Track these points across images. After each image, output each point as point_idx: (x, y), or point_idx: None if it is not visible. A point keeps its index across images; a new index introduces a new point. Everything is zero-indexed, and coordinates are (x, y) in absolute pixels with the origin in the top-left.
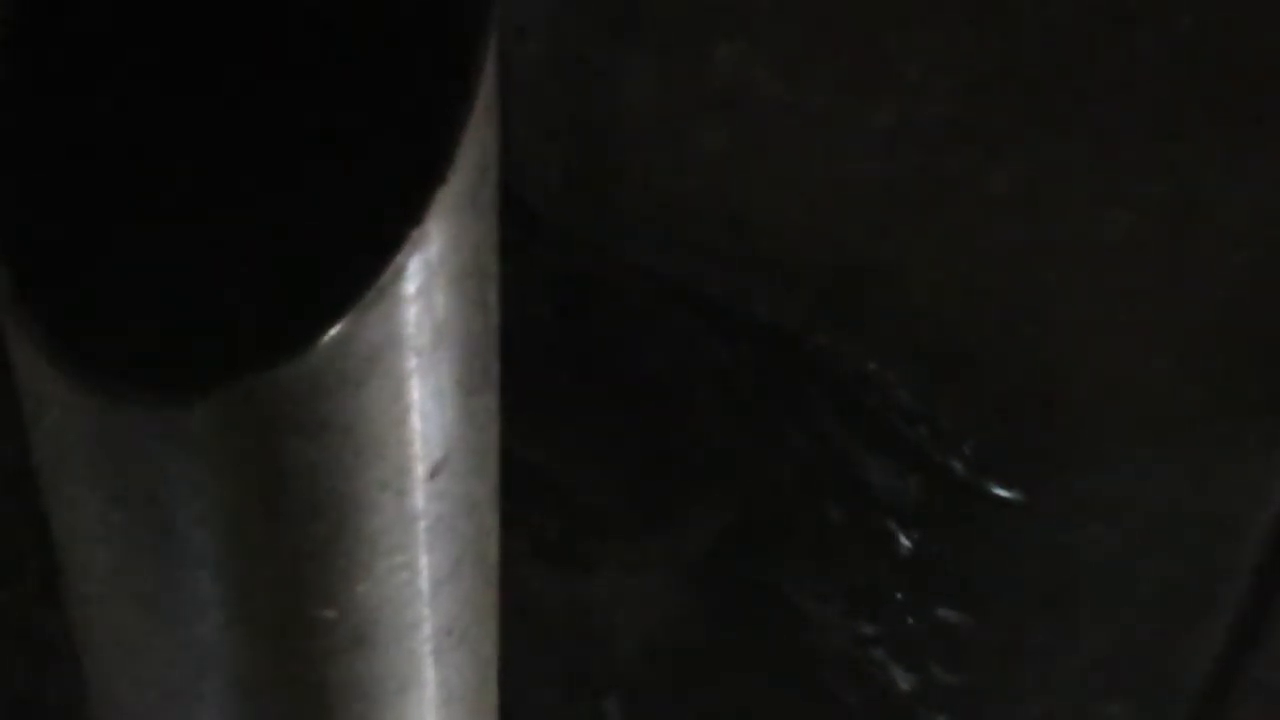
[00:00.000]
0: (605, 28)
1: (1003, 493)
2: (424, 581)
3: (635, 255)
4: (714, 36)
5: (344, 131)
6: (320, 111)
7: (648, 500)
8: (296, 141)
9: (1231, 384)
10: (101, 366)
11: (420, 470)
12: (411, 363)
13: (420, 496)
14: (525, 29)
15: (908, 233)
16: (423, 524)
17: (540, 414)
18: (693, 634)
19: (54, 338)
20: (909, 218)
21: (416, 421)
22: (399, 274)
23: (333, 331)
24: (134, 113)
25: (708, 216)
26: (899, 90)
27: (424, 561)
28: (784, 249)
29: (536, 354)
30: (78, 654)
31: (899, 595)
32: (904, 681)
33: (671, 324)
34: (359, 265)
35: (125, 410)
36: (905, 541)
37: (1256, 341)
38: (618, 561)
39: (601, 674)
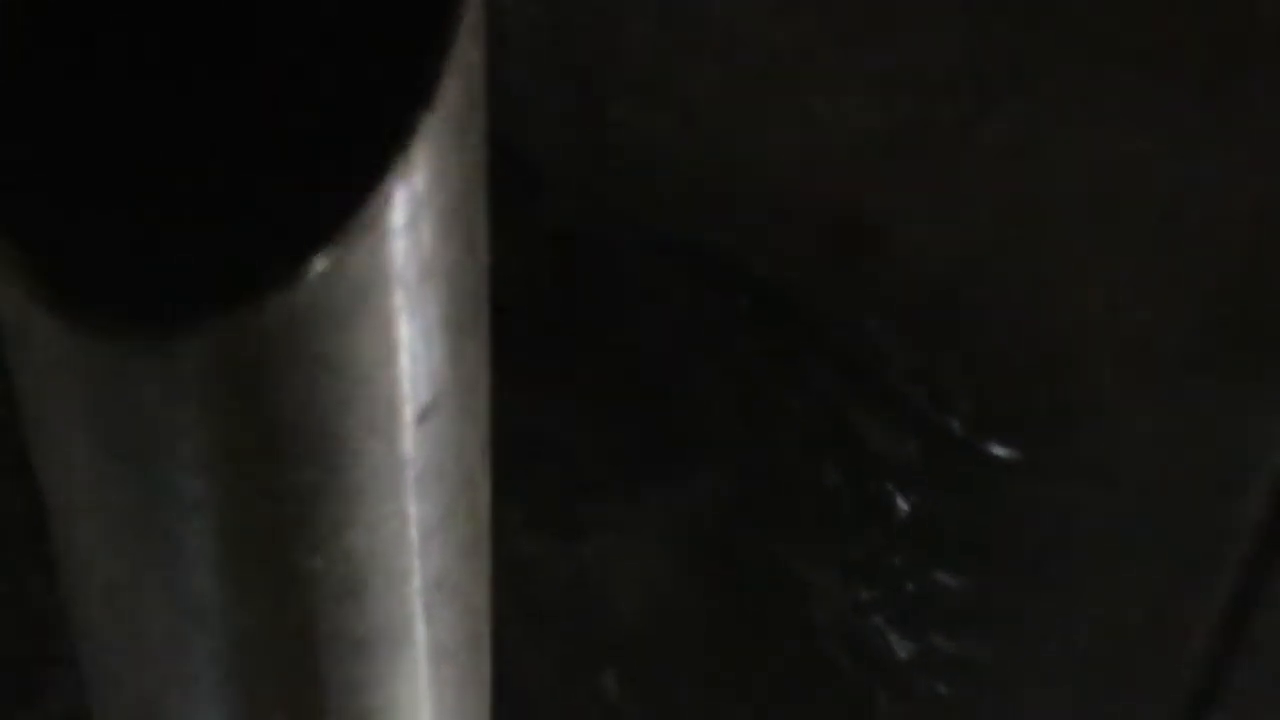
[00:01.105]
0: None
1: (1002, 452)
2: (413, 531)
3: (629, 207)
4: None
5: (325, 58)
6: (300, 37)
7: (643, 464)
8: (277, 68)
9: (1235, 338)
10: (84, 302)
11: (409, 413)
12: (399, 299)
13: (409, 441)
14: None
15: (905, 183)
16: (411, 470)
17: (531, 375)
18: (690, 603)
19: (35, 272)
20: (906, 167)
21: (405, 361)
22: (386, 204)
23: (320, 264)
24: (111, 43)
25: (702, 166)
26: (896, 36)
27: (413, 510)
28: (779, 200)
29: (529, 312)
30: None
31: (897, 560)
32: (902, 650)
33: (666, 282)
34: (344, 197)
35: (109, 346)
36: (904, 504)
37: (1260, 295)
38: (613, 527)
39: (598, 645)
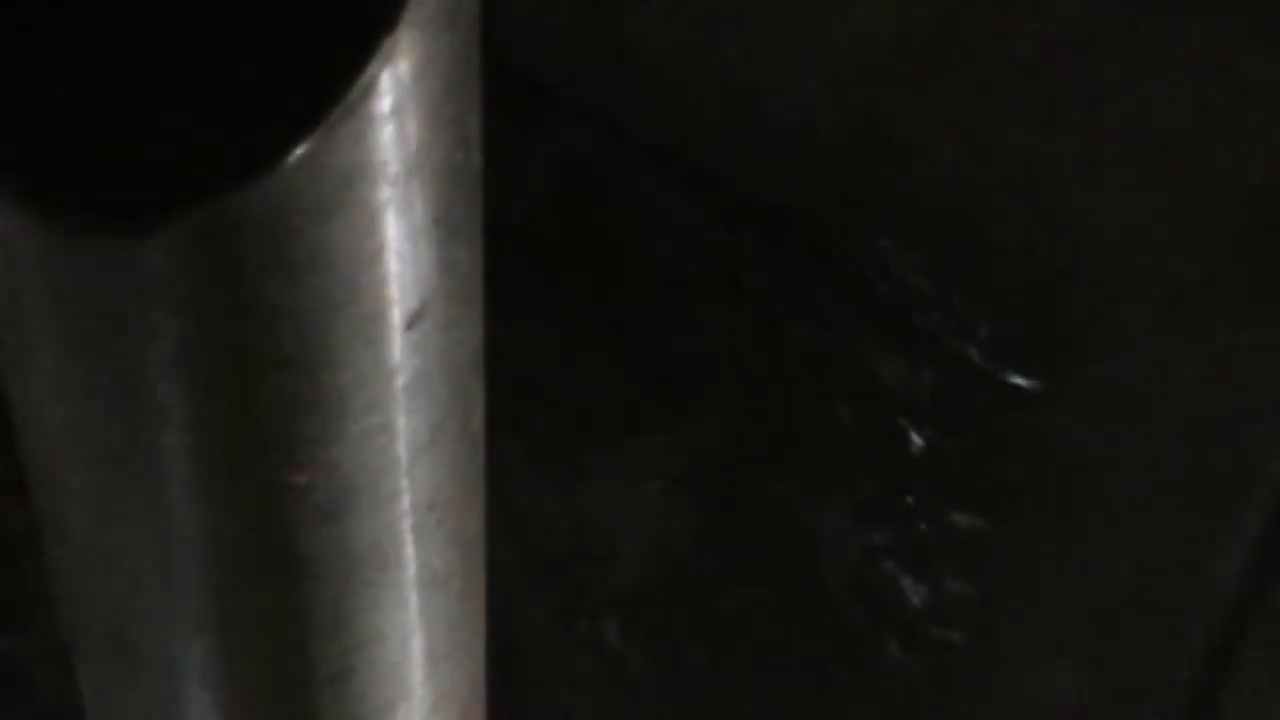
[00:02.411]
0: None
1: (1020, 381)
2: (402, 447)
3: (632, 127)
4: None
5: None
6: None
7: (646, 402)
8: None
9: (1262, 269)
10: (52, 198)
11: (396, 317)
12: (385, 193)
13: (396, 348)
14: None
15: (920, 99)
16: (399, 380)
17: (530, 306)
18: (694, 548)
19: (1, 168)
20: (921, 82)
21: (391, 261)
22: (370, 89)
23: (298, 152)
24: None
25: (708, 82)
26: None
27: (401, 424)
28: (788, 116)
29: (527, 240)
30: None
31: (910, 500)
32: (915, 595)
33: (671, 208)
34: (325, 82)
35: (77, 242)
36: (918, 439)
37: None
38: (614, 470)
39: (599, 592)
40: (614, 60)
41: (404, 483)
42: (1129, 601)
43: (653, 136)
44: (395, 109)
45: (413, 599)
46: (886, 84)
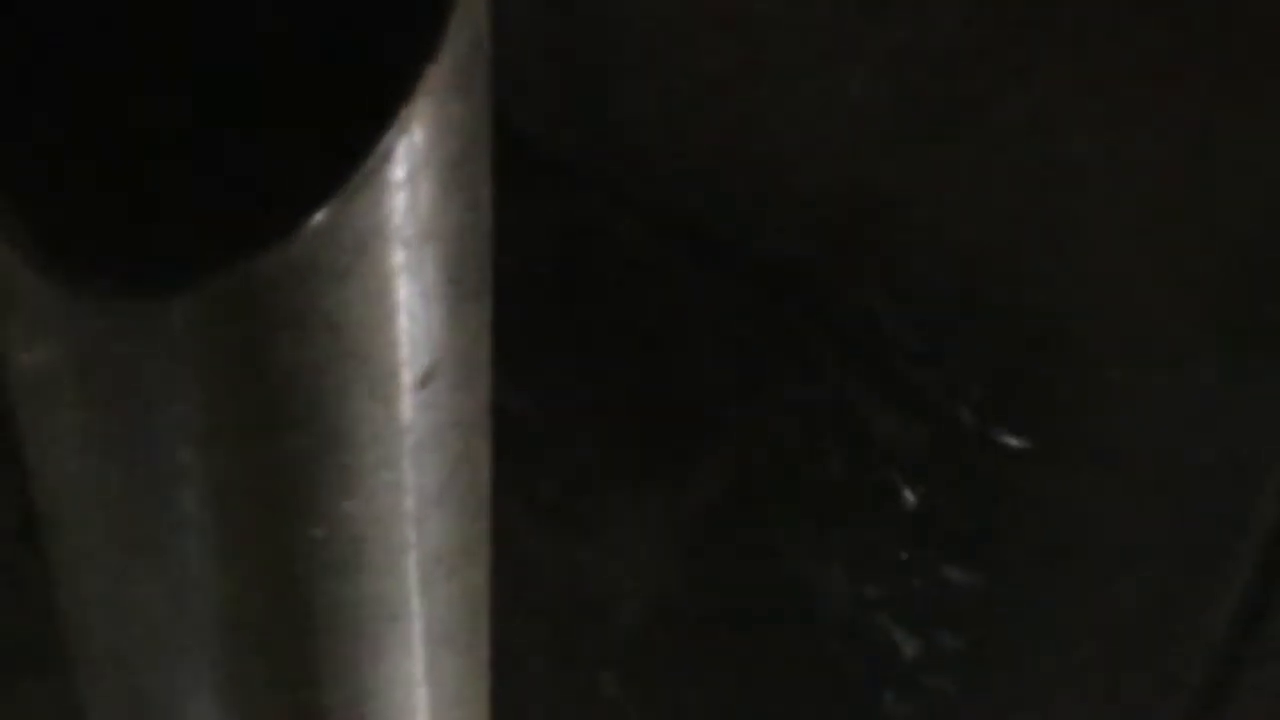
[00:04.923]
0: None
1: (1013, 441)
2: (411, 502)
3: (631, 186)
4: None
5: (328, 9)
6: None
7: (643, 454)
8: (280, 21)
9: (1248, 327)
10: (78, 262)
11: (407, 377)
12: (399, 256)
13: (408, 406)
14: None
15: (913, 161)
16: (410, 438)
17: (529, 363)
18: (690, 598)
19: (27, 233)
20: (915, 145)
21: (404, 322)
22: (386, 157)
23: (317, 219)
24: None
25: (705, 143)
26: (907, 9)
27: (411, 480)
28: (786, 178)
29: (529, 297)
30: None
31: (903, 554)
32: (909, 647)
33: (669, 265)
34: (343, 150)
35: (102, 307)
36: (910, 495)
37: (1271, 279)
38: (612, 520)
39: (598, 643)
40: (609, 124)
41: (413, 537)
42: (1119, 653)
43: (650, 199)
44: (410, 176)
45: (420, 650)
46: (881, 146)
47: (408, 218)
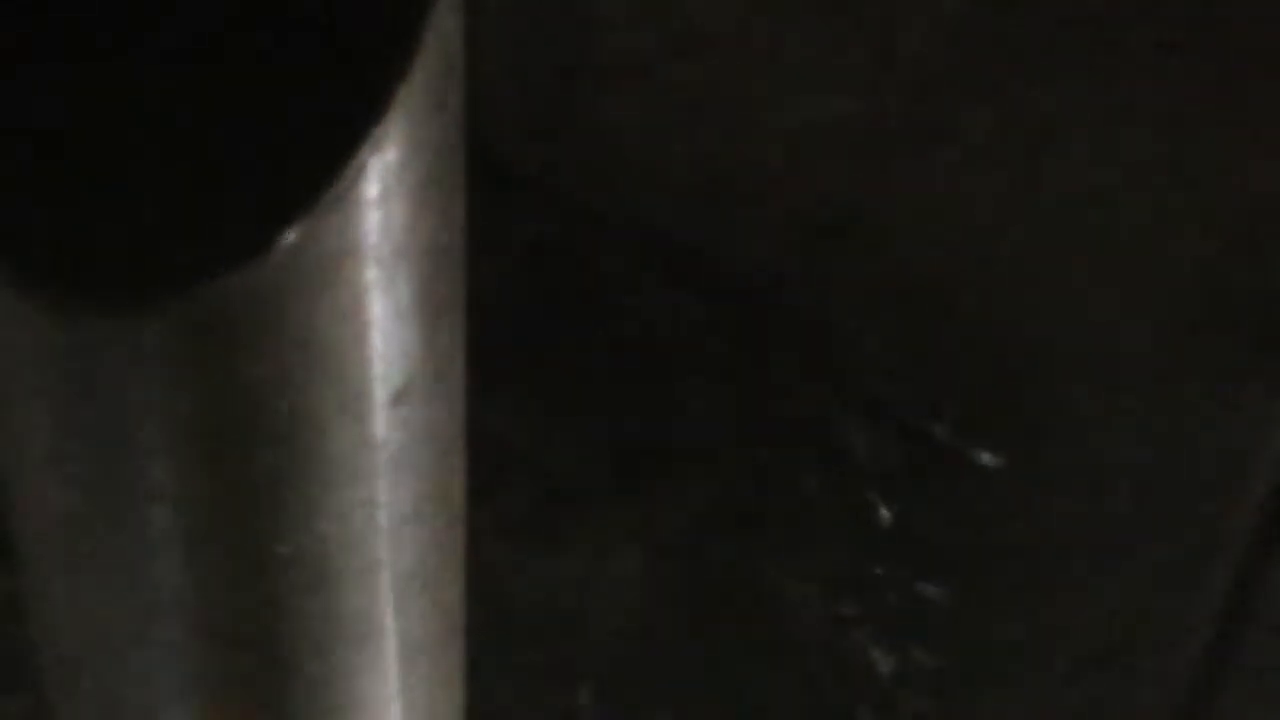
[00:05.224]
0: None
1: (987, 459)
2: (384, 519)
3: (606, 206)
4: None
5: (300, 27)
6: (275, 7)
7: (620, 474)
8: (251, 39)
9: (1219, 345)
10: (50, 280)
11: (380, 394)
12: (371, 274)
13: (380, 423)
14: None
15: (884, 181)
16: (383, 455)
17: (506, 382)
18: (667, 617)
19: (1, 251)
20: (886, 165)
21: (376, 340)
22: (358, 175)
23: (289, 237)
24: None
25: (679, 162)
26: (877, 31)
27: (385, 497)
28: (757, 197)
29: (504, 316)
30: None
31: (879, 571)
32: (884, 664)
33: (643, 284)
34: (315, 168)
35: (74, 323)
36: (886, 513)
37: (1241, 302)
38: (589, 539)
39: (574, 661)
40: (587, 143)
41: (386, 554)
42: (1095, 671)
43: (627, 216)
44: (383, 195)
45: (394, 666)
46: (859, 166)
47: (380, 237)
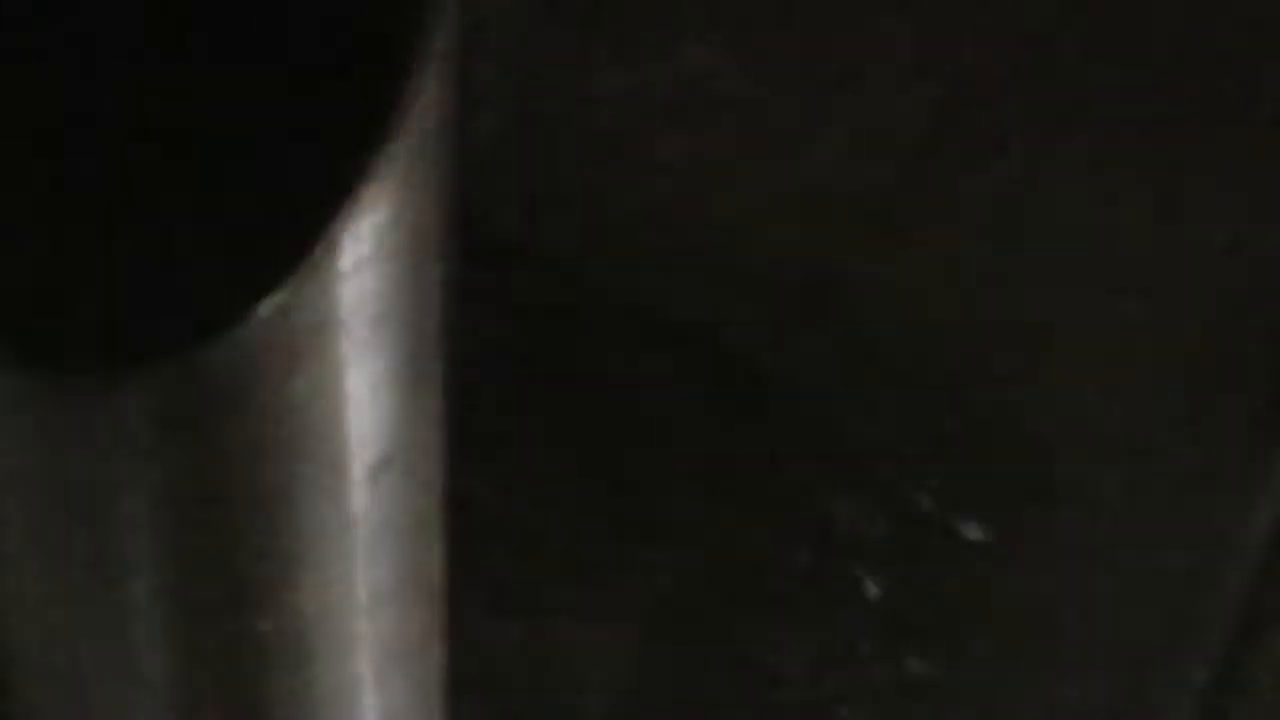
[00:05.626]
0: (566, 28)
1: (971, 531)
2: (363, 595)
3: (593, 271)
4: (678, 39)
5: (281, 91)
6: (251, 66)
7: (605, 543)
8: (228, 102)
9: (1209, 418)
10: (26, 346)
11: (358, 470)
12: (349, 347)
13: (358, 499)
14: (485, 23)
15: (869, 252)
16: (362, 530)
17: (493, 453)
18: (653, 690)
19: None
20: (876, 232)
21: (353, 414)
22: (335, 245)
23: (266, 306)
24: (48, 63)
25: (668, 235)
26: (869, 98)
27: (363, 572)
28: (744, 269)
29: (489, 383)
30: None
31: (866, 646)
32: None
33: (629, 356)
34: (293, 237)
35: (51, 395)
36: (872, 586)
37: (1232, 373)
38: (575, 613)
39: None
40: (575, 211)
41: (365, 629)
42: None
43: (614, 285)
44: (360, 265)
45: None
46: (845, 235)
47: (358, 307)
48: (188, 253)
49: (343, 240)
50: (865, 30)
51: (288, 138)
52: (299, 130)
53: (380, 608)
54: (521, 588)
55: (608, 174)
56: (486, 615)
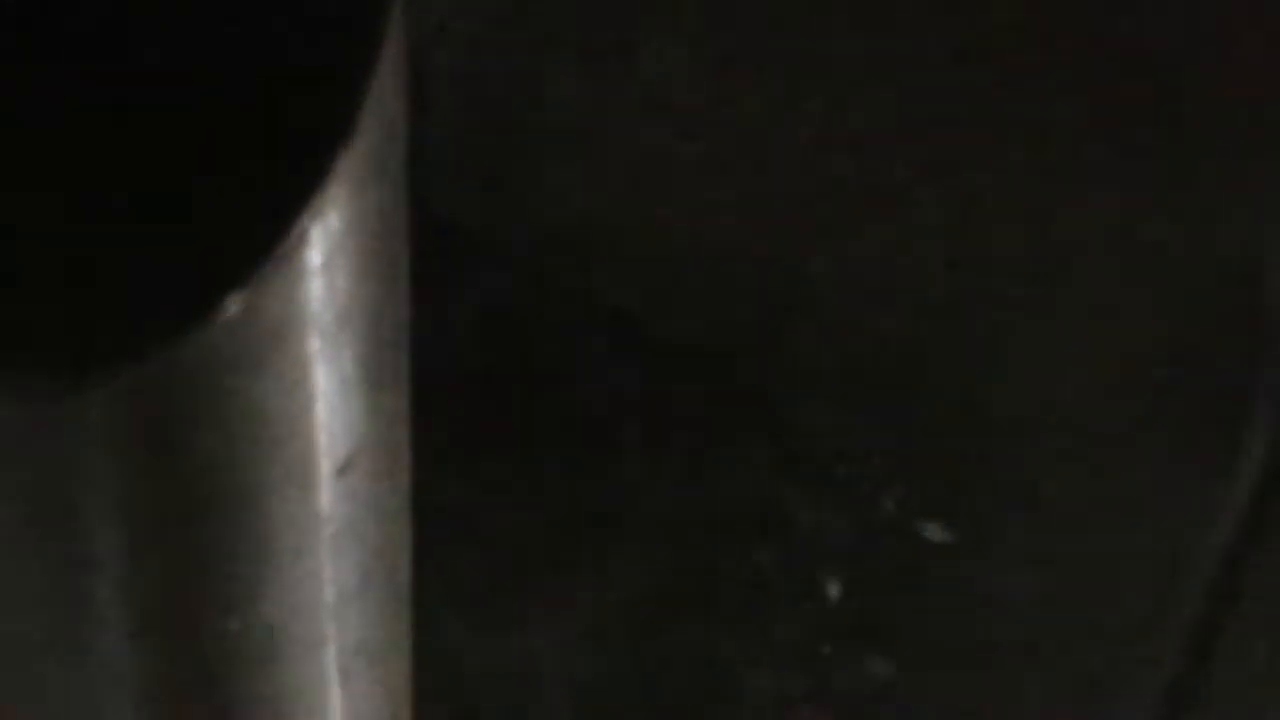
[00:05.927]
0: (526, 32)
1: (936, 535)
2: (330, 593)
3: (555, 272)
4: (638, 42)
5: (239, 92)
6: (215, 69)
7: (568, 546)
8: (189, 101)
9: (1171, 422)
10: None
11: (325, 467)
12: (315, 345)
13: (326, 497)
14: (445, 25)
15: (835, 254)
16: (329, 528)
17: (454, 457)
18: (616, 692)
19: None
20: (837, 238)
21: (321, 411)
22: (300, 243)
23: (230, 305)
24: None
25: (629, 231)
26: (829, 101)
27: (330, 570)
28: (706, 267)
29: (452, 385)
30: None
31: (828, 648)
32: None
33: (593, 355)
34: (257, 236)
35: (13, 397)
36: (834, 588)
37: (1193, 373)
38: (539, 616)
39: None
40: (537, 209)
41: (332, 629)
42: None
43: (576, 285)
44: (326, 262)
45: None
46: (808, 238)
47: (324, 305)
48: (152, 252)
49: (309, 236)
50: (821, 34)
51: (253, 136)
52: (263, 129)
53: (347, 607)
54: (481, 588)
55: (570, 173)
56: (447, 616)
